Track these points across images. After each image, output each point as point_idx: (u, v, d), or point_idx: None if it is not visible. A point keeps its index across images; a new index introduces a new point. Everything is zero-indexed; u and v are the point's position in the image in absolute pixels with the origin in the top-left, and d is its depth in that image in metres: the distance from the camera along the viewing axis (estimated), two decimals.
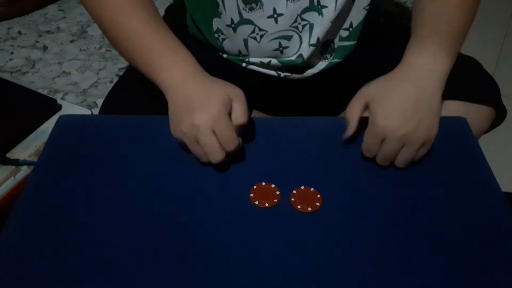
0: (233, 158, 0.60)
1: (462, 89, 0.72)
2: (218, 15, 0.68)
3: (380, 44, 0.75)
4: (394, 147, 0.55)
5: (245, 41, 0.69)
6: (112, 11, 0.63)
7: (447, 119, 0.67)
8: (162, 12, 0.90)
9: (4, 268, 0.49)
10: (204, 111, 0.55)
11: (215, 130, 0.54)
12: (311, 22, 0.66)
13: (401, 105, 0.55)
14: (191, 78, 0.59)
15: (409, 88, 0.56)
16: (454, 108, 0.71)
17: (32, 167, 0.86)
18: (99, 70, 1.59)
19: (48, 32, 1.77)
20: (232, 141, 0.56)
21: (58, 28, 1.80)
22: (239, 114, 0.56)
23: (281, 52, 0.70)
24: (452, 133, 0.64)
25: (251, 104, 0.81)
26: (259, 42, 0.68)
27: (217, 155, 0.56)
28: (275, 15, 0.65)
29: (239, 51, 0.71)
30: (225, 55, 0.75)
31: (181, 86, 0.58)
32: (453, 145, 0.62)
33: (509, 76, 1.60)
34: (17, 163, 0.86)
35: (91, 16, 0.66)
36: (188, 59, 0.61)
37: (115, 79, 1.53)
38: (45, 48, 1.69)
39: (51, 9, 1.90)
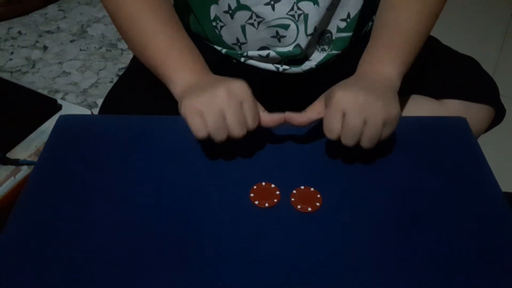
0: (233, 158, 0.60)
1: (461, 88, 0.73)
2: (216, 1, 0.68)
3: None
4: (355, 121, 0.53)
5: (243, 28, 0.69)
6: (131, 8, 0.63)
7: (447, 119, 0.68)
8: None
9: (4, 268, 0.49)
10: (236, 84, 0.55)
11: (243, 104, 0.55)
12: (306, 12, 0.67)
13: (356, 83, 0.57)
14: (205, 77, 0.61)
15: (359, 80, 0.59)
16: (454, 107, 0.71)
17: (32, 167, 0.86)
18: (99, 70, 1.60)
19: (48, 32, 1.78)
20: (257, 118, 0.56)
21: (58, 28, 1.80)
22: (260, 105, 0.58)
23: (279, 40, 0.70)
24: (452, 133, 0.64)
25: None
26: (256, 29, 0.69)
27: (241, 130, 0.55)
28: (272, 2, 0.66)
29: (237, 39, 0.71)
30: (224, 50, 0.75)
31: (196, 80, 0.60)
32: (453, 145, 0.62)
33: (509, 76, 1.61)
34: (17, 163, 0.86)
35: (107, 12, 0.66)
36: (203, 64, 0.63)
37: (115, 79, 1.53)
38: (45, 48, 1.70)
39: (51, 9, 1.90)
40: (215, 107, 0.54)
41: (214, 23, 0.71)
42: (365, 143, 0.54)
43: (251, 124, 0.56)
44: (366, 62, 0.63)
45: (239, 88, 0.55)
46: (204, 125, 0.54)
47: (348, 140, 0.54)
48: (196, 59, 0.63)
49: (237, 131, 0.55)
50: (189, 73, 0.61)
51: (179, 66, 0.61)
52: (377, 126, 0.53)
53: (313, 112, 0.58)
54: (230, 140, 0.56)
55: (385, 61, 0.61)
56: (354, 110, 0.53)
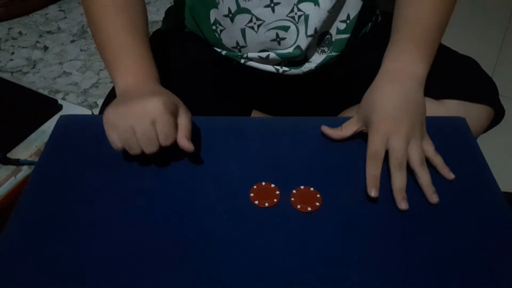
0: (233, 158, 0.61)
1: (461, 88, 0.73)
2: (216, 5, 0.68)
3: (377, 42, 0.76)
4: (400, 144, 0.55)
5: (243, 31, 0.69)
6: (96, 9, 0.64)
7: (446, 119, 0.68)
8: (162, 13, 0.90)
9: (4, 268, 0.50)
10: (151, 101, 0.54)
11: (155, 122, 0.54)
12: (307, 13, 0.67)
13: (391, 105, 0.57)
14: (143, 84, 0.60)
15: (393, 89, 0.59)
16: (453, 107, 0.71)
17: (32, 167, 0.86)
18: (100, 70, 1.60)
19: (48, 32, 1.78)
20: (170, 137, 0.55)
21: (59, 28, 1.80)
22: (186, 125, 0.57)
23: (279, 43, 0.70)
24: (452, 133, 0.65)
25: (250, 103, 0.81)
26: (256, 32, 0.69)
27: (152, 147, 0.55)
28: (272, 4, 0.66)
29: (237, 43, 0.71)
30: (224, 52, 0.75)
31: (133, 86, 0.59)
32: (453, 145, 0.63)
33: (508, 76, 1.61)
34: (18, 163, 0.86)
35: (85, 14, 0.67)
36: (152, 74, 0.62)
37: None
38: (45, 48, 1.70)
39: (52, 9, 1.90)
40: (127, 124, 0.54)
41: (213, 27, 0.71)
42: (415, 163, 0.56)
43: (163, 142, 0.55)
44: (394, 60, 0.63)
45: (153, 106, 0.54)
46: (118, 139, 0.55)
47: (396, 168, 0.56)
48: (145, 68, 0.62)
49: (148, 148, 0.55)
50: (132, 78, 0.60)
51: (124, 71, 0.61)
52: (419, 145, 0.57)
53: (347, 130, 0.61)
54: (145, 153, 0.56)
55: (414, 61, 0.61)
56: (398, 137, 0.56)
